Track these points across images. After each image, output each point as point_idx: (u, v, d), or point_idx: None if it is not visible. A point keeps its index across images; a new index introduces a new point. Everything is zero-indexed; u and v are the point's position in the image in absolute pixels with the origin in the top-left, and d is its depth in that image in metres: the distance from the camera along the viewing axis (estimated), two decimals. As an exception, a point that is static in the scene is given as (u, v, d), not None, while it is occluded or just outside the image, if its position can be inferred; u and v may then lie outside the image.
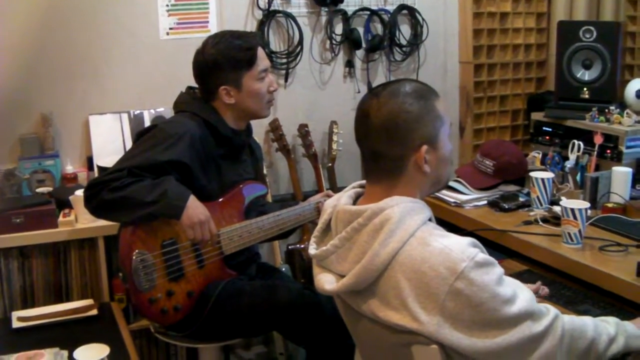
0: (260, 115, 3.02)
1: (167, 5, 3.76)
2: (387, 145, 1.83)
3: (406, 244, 1.73)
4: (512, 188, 3.40)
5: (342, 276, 1.82)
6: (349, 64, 4.20)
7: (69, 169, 3.60)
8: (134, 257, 2.69)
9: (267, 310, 2.83)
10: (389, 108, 1.82)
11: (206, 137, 2.85)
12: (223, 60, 2.85)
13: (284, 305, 2.81)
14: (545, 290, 2.45)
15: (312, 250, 1.95)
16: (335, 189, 3.87)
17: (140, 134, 2.85)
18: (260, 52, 2.92)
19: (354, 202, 1.96)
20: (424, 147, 1.82)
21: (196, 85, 2.99)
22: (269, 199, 3.69)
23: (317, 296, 2.77)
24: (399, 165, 1.84)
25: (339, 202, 1.94)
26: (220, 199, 2.92)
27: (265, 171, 3.68)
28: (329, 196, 3.02)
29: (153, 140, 2.76)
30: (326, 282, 1.87)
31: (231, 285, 2.88)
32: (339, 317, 2.09)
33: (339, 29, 4.13)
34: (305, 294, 2.84)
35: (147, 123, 3.70)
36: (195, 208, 2.70)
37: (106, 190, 2.64)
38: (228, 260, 2.93)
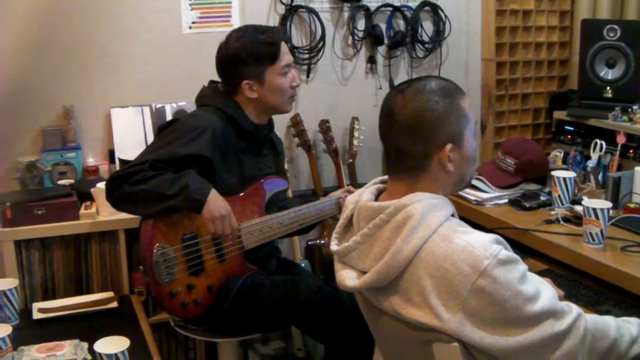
0: (283, 110, 3.02)
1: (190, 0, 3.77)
2: (411, 142, 1.82)
3: (429, 240, 1.72)
4: (533, 187, 3.38)
5: (364, 272, 1.82)
6: (371, 60, 4.20)
7: (91, 161, 3.62)
8: (154, 251, 2.69)
9: (286, 305, 2.83)
10: (414, 105, 1.82)
11: (228, 131, 2.86)
12: (246, 55, 2.85)
13: (303, 300, 2.81)
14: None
15: (334, 246, 1.94)
16: (356, 185, 3.87)
17: (162, 128, 2.85)
18: (284, 47, 2.92)
19: (376, 198, 1.95)
20: (449, 146, 1.82)
21: (219, 80, 3.00)
22: (289, 194, 3.69)
23: (337, 292, 2.77)
24: (423, 163, 1.84)
25: (360, 198, 1.93)
26: (241, 194, 2.92)
27: (286, 166, 3.68)
28: (349, 192, 3.02)
29: (175, 134, 2.77)
30: (347, 278, 1.87)
31: (251, 280, 2.89)
32: (359, 314, 2.09)
33: (361, 24, 4.12)
34: (325, 290, 2.84)
35: (169, 117, 3.71)
36: (216, 202, 2.70)
37: (128, 183, 2.65)
38: (248, 254, 2.93)
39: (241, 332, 3.00)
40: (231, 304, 2.82)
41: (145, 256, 2.72)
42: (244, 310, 2.85)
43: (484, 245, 1.68)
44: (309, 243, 3.91)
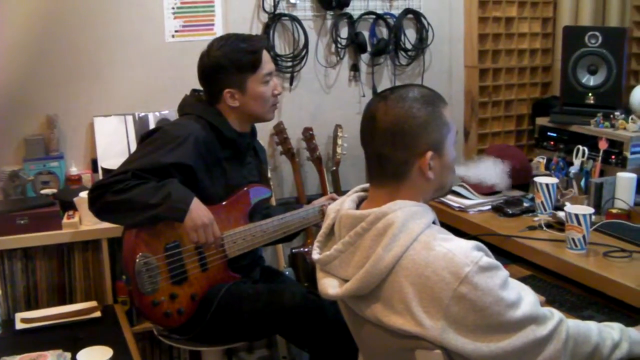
0: (265, 119, 3.02)
1: (173, 8, 3.76)
2: (392, 149, 1.83)
3: (410, 248, 1.72)
4: (516, 193, 3.39)
5: (346, 281, 1.82)
6: (354, 67, 4.20)
7: (74, 170, 3.61)
8: (137, 260, 2.69)
9: (270, 314, 2.82)
10: (396, 112, 1.82)
11: (211, 140, 2.85)
12: (227, 63, 2.85)
13: (287, 309, 2.81)
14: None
15: (316, 255, 1.94)
16: (339, 192, 3.87)
17: (145, 136, 2.85)
18: (265, 55, 2.92)
19: (357, 207, 1.96)
20: (429, 153, 1.82)
21: (201, 88, 2.99)
22: (272, 202, 3.69)
23: (321, 300, 2.77)
24: (403, 170, 1.84)
25: (342, 207, 1.94)
26: (225, 202, 2.91)
27: (269, 174, 3.68)
28: (333, 199, 3.02)
29: (157, 143, 2.76)
30: (330, 286, 1.87)
31: (234, 289, 2.88)
32: (342, 322, 2.09)
33: (344, 32, 4.13)
34: (308, 298, 2.83)
35: (152, 125, 3.70)
36: (198, 211, 2.70)
37: (110, 193, 2.65)
38: (232, 263, 2.92)
39: (225, 341, 2.99)
40: (214, 313, 2.81)
41: (128, 266, 2.71)
42: (228, 319, 2.84)
43: (465, 252, 1.68)
44: (293, 251, 3.91)
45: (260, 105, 2.92)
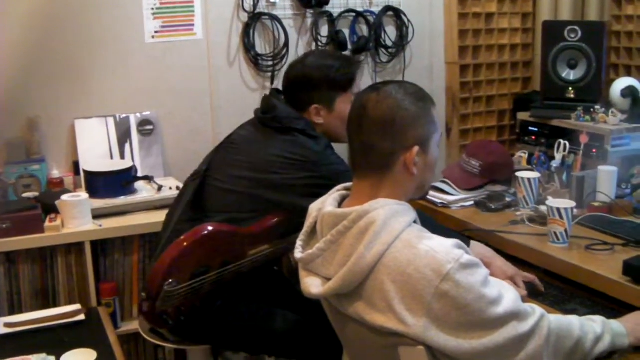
0: (343, 141, 2.98)
1: (152, 9, 3.75)
2: (380, 138, 1.85)
3: (391, 246, 1.73)
4: (498, 188, 3.40)
5: (329, 279, 1.82)
6: (335, 65, 4.20)
7: (55, 173, 3.58)
8: (165, 287, 2.60)
9: (262, 339, 2.82)
10: (388, 103, 1.86)
11: None
12: (321, 79, 2.86)
13: (278, 334, 2.80)
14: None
15: (298, 254, 1.95)
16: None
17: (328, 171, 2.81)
18: (358, 77, 2.95)
19: (340, 205, 1.96)
20: (416, 148, 1.85)
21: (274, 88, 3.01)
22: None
23: (313, 325, 2.76)
24: (388, 162, 1.86)
25: (324, 206, 1.94)
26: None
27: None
28: None
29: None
30: (312, 285, 1.87)
31: (229, 306, 2.83)
32: (326, 321, 2.09)
33: (324, 30, 4.12)
34: (300, 323, 2.83)
35: (133, 127, 3.70)
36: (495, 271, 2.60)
37: None
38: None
39: (213, 344, 2.97)
40: (206, 324, 2.79)
41: (155, 287, 2.61)
42: (219, 332, 2.80)
43: (447, 250, 1.69)
44: (277, 250, 3.89)
45: (343, 126, 2.91)
